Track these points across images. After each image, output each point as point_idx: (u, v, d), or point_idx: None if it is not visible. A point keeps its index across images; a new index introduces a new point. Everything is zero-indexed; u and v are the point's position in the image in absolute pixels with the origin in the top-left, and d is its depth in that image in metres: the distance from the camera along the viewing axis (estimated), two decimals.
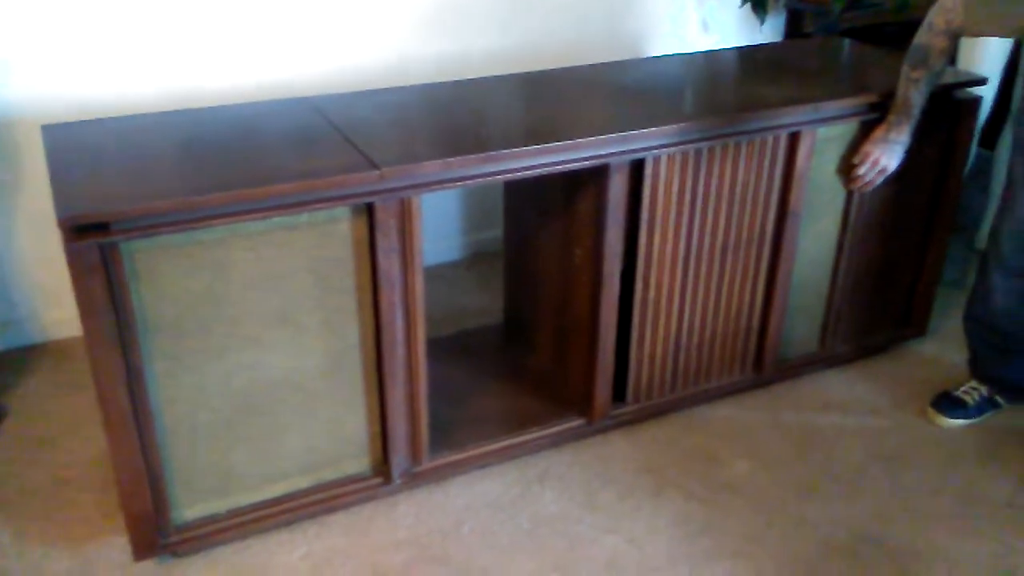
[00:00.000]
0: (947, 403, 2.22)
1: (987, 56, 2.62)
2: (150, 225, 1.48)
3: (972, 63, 2.62)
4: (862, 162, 2.09)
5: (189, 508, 1.76)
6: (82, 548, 1.82)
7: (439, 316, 2.46)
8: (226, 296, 1.61)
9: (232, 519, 1.80)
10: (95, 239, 1.44)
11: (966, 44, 2.65)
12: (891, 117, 2.04)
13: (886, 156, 2.07)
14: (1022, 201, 1.97)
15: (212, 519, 1.79)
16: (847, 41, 2.57)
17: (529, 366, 2.30)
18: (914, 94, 1.99)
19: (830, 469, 2.07)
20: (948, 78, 2.19)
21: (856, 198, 2.17)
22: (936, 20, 1.93)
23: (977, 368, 2.24)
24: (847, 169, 2.12)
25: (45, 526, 1.87)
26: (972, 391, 2.23)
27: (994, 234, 2.06)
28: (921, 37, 1.96)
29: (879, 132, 2.06)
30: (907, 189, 2.24)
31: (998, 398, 2.23)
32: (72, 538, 1.84)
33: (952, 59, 2.67)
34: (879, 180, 2.11)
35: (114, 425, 1.59)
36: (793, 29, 3.18)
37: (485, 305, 2.64)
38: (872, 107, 2.06)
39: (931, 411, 2.23)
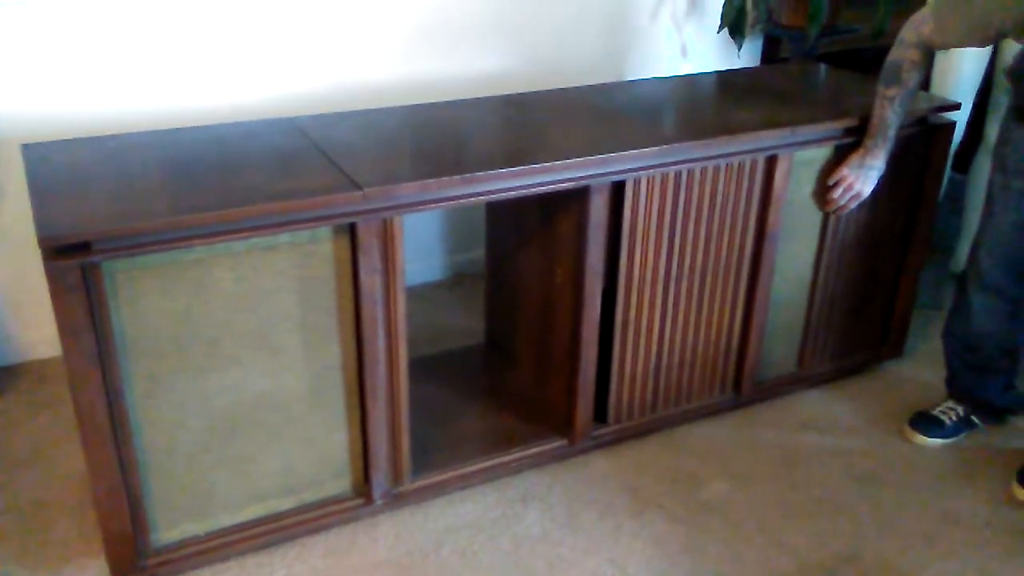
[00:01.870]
0: (924, 422, 2.25)
1: (960, 82, 2.68)
2: (132, 245, 1.48)
3: (945, 89, 2.68)
4: (837, 186, 2.12)
5: (168, 530, 1.75)
6: (59, 571, 1.79)
7: (421, 336, 2.46)
8: (207, 316, 1.61)
9: (212, 541, 1.79)
10: (76, 259, 1.44)
11: (939, 70, 2.70)
12: (867, 141, 2.07)
13: (860, 181, 2.10)
14: (1000, 219, 2.00)
15: (191, 541, 1.77)
16: (823, 66, 2.61)
17: (511, 387, 2.30)
18: (889, 114, 2.02)
19: (809, 489, 2.08)
20: (922, 103, 2.24)
21: (832, 221, 2.20)
22: (907, 35, 1.95)
23: (954, 387, 2.27)
24: (822, 192, 2.15)
25: (22, 548, 1.85)
26: (949, 411, 2.25)
27: (973, 252, 2.09)
28: (893, 54, 1.99)
29: (855, 157, 2.09)
30: (883, 212, 2.28)
31: (974, 418, 2.26)
32: (49, 560, 1.82)
33: (926, 85, 2.73)
34: (853, 204, 2.14)
35: (92, 446, 1.58)
36: (770, 54, 3.23)
37: (467, 325, 2.64)
38: (848, 131, 2.10)
39: (908, 430, 2.25)
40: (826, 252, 2.24)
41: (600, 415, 2.14)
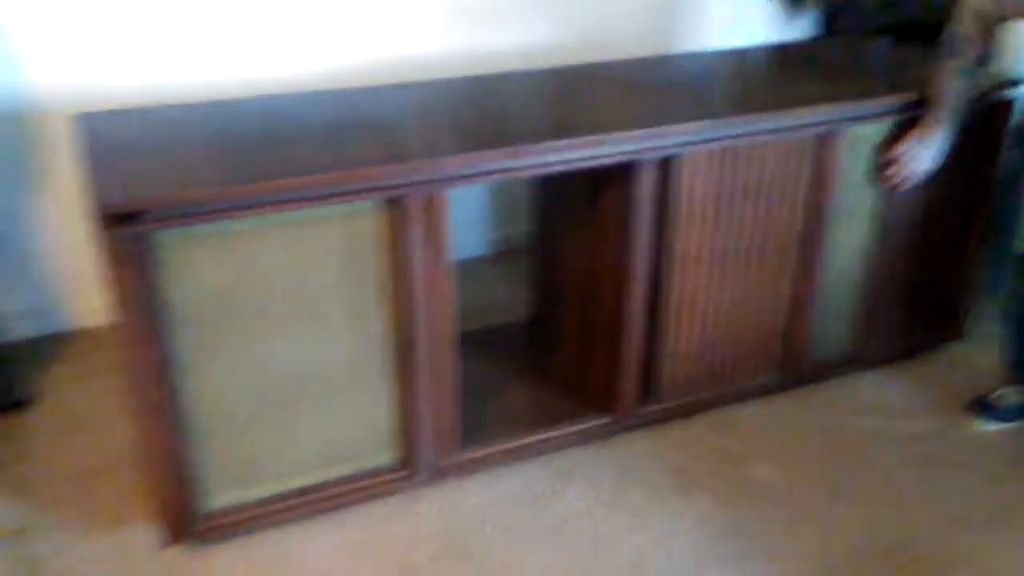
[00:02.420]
0: (983, 407, 2.19)
1: (1020, 58, 2.57)
2: (184, 215, 1.49)
3: (1007, 65, 2.57)
4: (894, 162, 2.05)
5: (217, 496, 1.77)
6: (112, 534, 1.84)
7: (464, 311, 2.44)
8: (255, 286, 1.62)
9: (259, 508, 1.81)
10: (129, 228, 1.46)
11: (1000, 46, 2.60)
12: (926, 116, 2.01)
13: (919, 157, 2.03)
14: None
15: (239, 508, 1.80)
16: (882, 39, 2.53)
17: (555, 363, 2.29)
18: (951, 87, 1.95)
19: (862, 473, 2.04)
20: (983, 80, 2.15)
21: (891, 198, 2.14)
22: (964, 6, 1.90)
23: (1014, 371, 2.20)
24: (879, 169, 2.09)
25: (75, 512, 1.89)
26: (1009, 395, 2.19)
27: None
28: (955, 27, 1.93)
29: (914, 132, 2.03)
30: (942, 191, 2.20)
31: None
32: (102, 524, 1.86)
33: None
34: (911, 182, 2.08)
35: (144, 413, 1.61)
36: (827, 27, 3.14)
37: (511, 301, 2.63)
38: (907, 106, 2.03)
39: (966, 415, 2.19)
40: (884, 231, 2.18)
41: (646, 393, 2.11)
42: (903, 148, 2.04)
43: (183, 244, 1.53)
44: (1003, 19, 1.92)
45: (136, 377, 1.57)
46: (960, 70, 1.93)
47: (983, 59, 1.95)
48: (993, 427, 2.17)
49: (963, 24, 1.90)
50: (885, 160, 2.06)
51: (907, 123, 2.04)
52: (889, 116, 2.03)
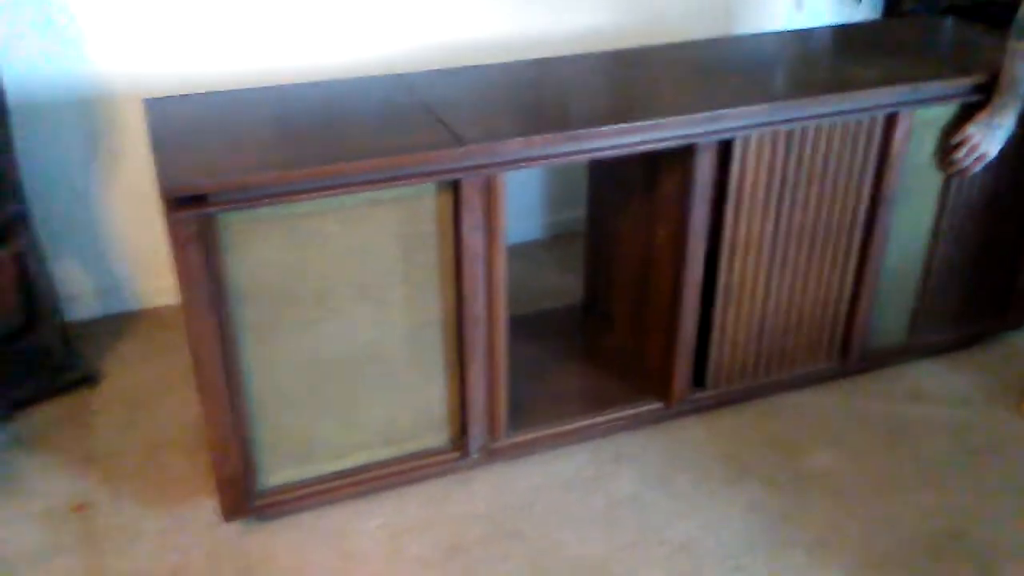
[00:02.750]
0: None
1: None
2: (246, 198, 1.52)
3: None
4: (961, 146, 2.00)
5: (275, 473, 1.82)
6: (174, 508, 1.90)
7: (519, 295, 2.45)
8: (314, 268, 1.65)
9: (314, 486, 1.85)
10: (194, 211, 1.49)
11: None
12: (995, 99, 1.95)
13: (986, 141, 1.98)
14: None
15: (296, 485, 1.84)
16: (949, 20, 2.46)
17: (608, 348, 2.29)
18: (1020, 70, 1.90)
19: (916, 462, 2.01)
20: None
21: (954, 184, 2.09)
22: None
23: None
24: (945, 153, 2.04)
25: (139, 486, 1.96)
26: None
27: None
28: None
29: (982, 116, 1.97)
30: (1006, 176, 2.14)
31: None
32: (165, 498, 1.92)
33: None
34: (978, 166, 2.02)
35: (207, 391, 1.65)
36: (891, 7, 3.06)
37: (565, 285, 2.64)
38: (975, 88, 1.98)
39: None
40: (946, 217, 2.13)
41: (699, 379, 2.10)
42: (970, 131, 1.99)
43: (245, 226, 1.57)
44: None
45: (199, 355, 1.62)
46: None
47: None
48: None
49: None
50: (952, 144, 2.01)
51: (974, 107, 1.99)
52: (954, 99, 1.98)
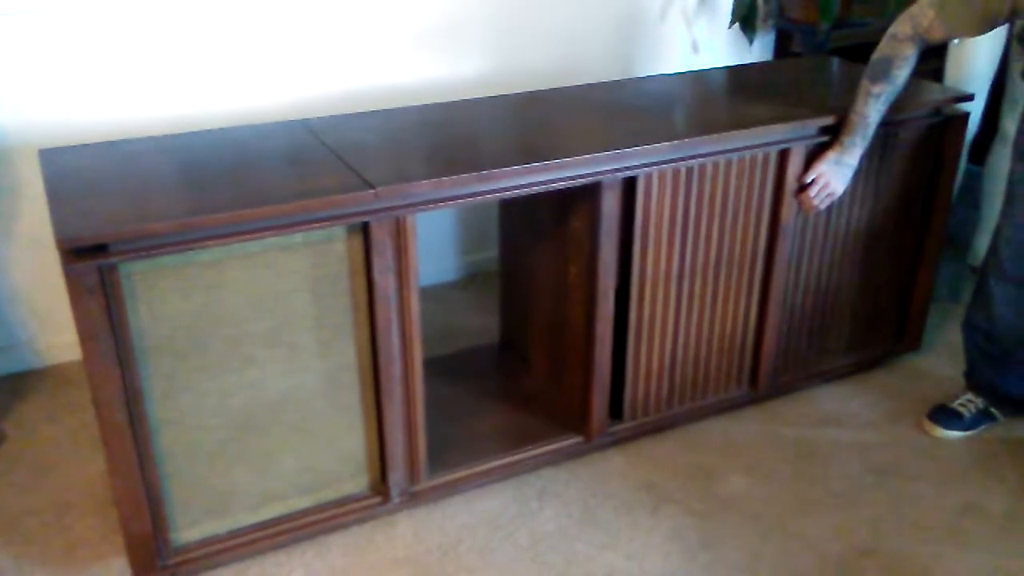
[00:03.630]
0: (943, 415, 2.23)
1: (974, 73, 2.66)
2: (148, 246, 1.50)
3: (959, 80, 2.66)
4: (813, 184, 2.05)
5: (188, 529, 1.76)
6: (82, 571, 1.82)
7: (435, 336, 2.47)
8: (223, 316, 1.63)
9: (231, 540, 1.80)
10: (94, 261, 1.46)
11: (953, 61, 2.68)
12: (843, 138, 2.01)
13: (836, 179, 2.04)
14: (1020, 210, 1.99)
15: (211, 540, 1.79)
16: (835, 60, 2.60)
17: (526, 385, 2.31)
18: (872, 112, 1.97)
19: (827, 483, 2.08)
20: (936, 94, 2.22)
21: (840, 214, 2.18)
22: (900, 29, 1.92)
23: (973, 379, 2.26)
24: (797, 191, 2.09)
25: (45, 549, 1.87)
26: (968, 403, 2.24)
27: (994, 242, 2.08)
28: (884, 50, 1.94)
29: (831, 153, 2.03)
30: (897, 205, 2.27)
31: (993, 410, 2.24)
32: (73, 561, 1.84)
33: (939, 76, 2.71)
34: (827, 203, 2.09)
35: (113, 447, 1.60)
36: (782, 49, 3.22)
37: (481, 325, 2.65)
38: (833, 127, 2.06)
39: (927, 423, 2.24)
40: (837, 246, 2.23)
41: (616, 412, 2.14)
42: (822, 167, 2.04)
43: (149, 275, 1.54)
44: (946, 39, 1.94)
45: (105, 410, 1.57)
46: (885, 95, 1.96)
47: (907, 83, 1.98)
48: (953, 435, 2.22)
49: (899, 47, 1.92)
50: (804, 184, 2.07)
51: (820, 147, 2.07)
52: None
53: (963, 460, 2.16)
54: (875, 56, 1.97)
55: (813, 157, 2.06)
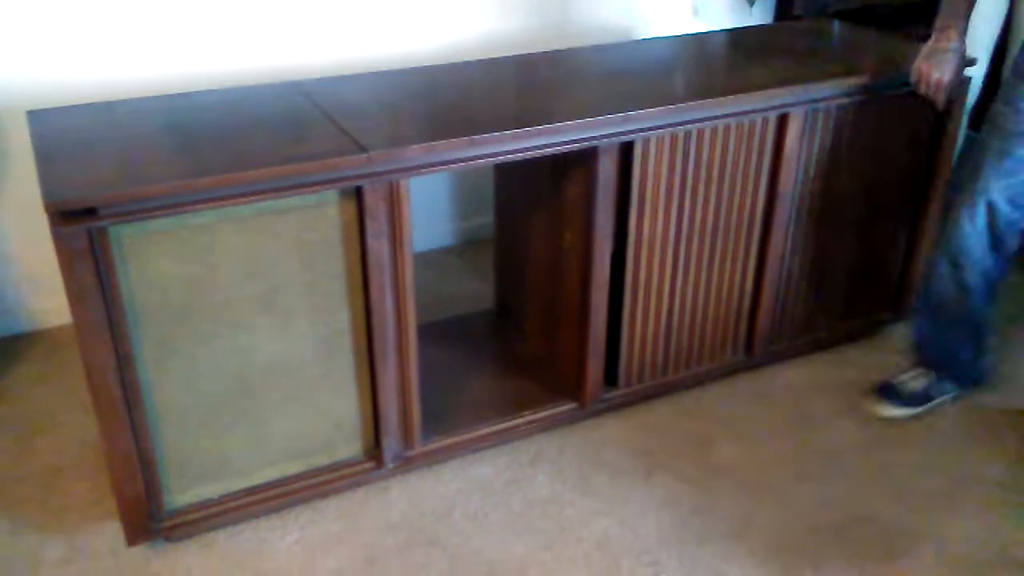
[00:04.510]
0: (889, 391, 2.19)
1: (975, 39, 2.62)
2: (139, 210, 1.47)
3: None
4: (919, 82, 2.00)
5: (181, 493, 1.76)
6: (75, 534, 1.82)
7: (430, 302, 2.46)
8: (215, 281, 1.61)
9: (224, 504, 1.80)
10: (83, 224, 1.44)
11: None
12: (936, 24, 1.96)
13: (938, 68, 1.96)
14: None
15: (204, 504, 1.79)
16: (836, 23, 2.56)
17: (521, 351, 2.30)
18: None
19: (821, 451, 2.08)
20: None
21: (838, 182, 2.16)
22: None
23: (924, 353, 2.20)
24: (911, 94, 2.05)
25: (38, 513, 1.87)
26: (918, 378, 2.19)
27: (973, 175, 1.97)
28: None
29: (925, 47, 1.98)
30: (897, 171, 2.24)
31: (946, 384, 2.19)
32: (65, 525, 1.84)
33: None
34: (944, 95, 2.01)
35: (105, 411, 1.59)
36: (783, 12, 3.17)
37: (477, 291, 2.64)
38: (862, 89, 2.06)
39: (873, 399, 2.19)
40: (833, 213, 2.21)
41: (611, 378, 2.13)
42: (919, 64, 1.99)
43: (140, 239, 1.52)
44: None
45: (96, 375, 1.56)
46: None
47: None
48: (901, 412, 2.16)
49: None
50: (911, 83, 2.03)
51: (862, 104, 2.06)
52: (845, 98, 2.06)
53: (958, 429, 2.16)
54: None
55: (813, 122, 2.03)
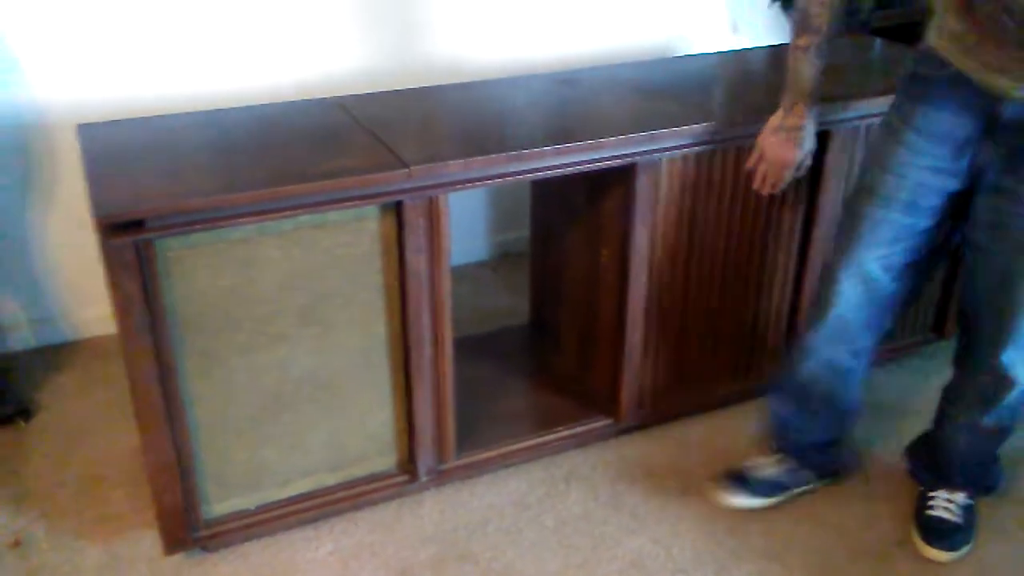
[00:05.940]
0: (739, 480, 1.94)
1: None
2: (183, 223, 1.50)
3: None
4: (752, 156, 1.88)
5: (219, 503, 1.78)
6: (113, 542, 1.84)
7: (466, 316, 2.45)
8: (256, 293, 1.63)
9: (260, 515, 1.82)
10: (130, 236, 1.47)
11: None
12: (783, 100, 1.80)
13: (782, 146, 1.82)
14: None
15: (241, 514, 1.80)
16: (877, 40, 2.54)
17: (556, 366, 2.30)
18: (805, 66, 1.73)
19: (859, 471, 2.05)
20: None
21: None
22: None
23: (781, 438, 1.99)
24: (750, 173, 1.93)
25: (77, 521, 1.90)
26: (777, 464, 1.96)
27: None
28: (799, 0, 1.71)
29: (772, 120, 1.82)
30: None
31: (805, 473, 1.97)
32: (104, 532, 1.87)
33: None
34: (786, 176, 1.86)
35: (146, 421, 1.62)
36: None
37: (512, 305, 2.64)
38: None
39: (719, 488, 1.95)
40: None
41: (646, 395, 2.12)
42: (759, 140, 1.86)
43: (184, 251, 1.54)
44: None
45: (138, 385, 1.58)
46: (814, 47, 1.71)
47: (837, 31, 1.72)
48: (749, 502, 1.92)
49: None
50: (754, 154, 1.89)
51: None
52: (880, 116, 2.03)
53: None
54: (794, 7, 1.73)
55: (854, 140, 2.01)
